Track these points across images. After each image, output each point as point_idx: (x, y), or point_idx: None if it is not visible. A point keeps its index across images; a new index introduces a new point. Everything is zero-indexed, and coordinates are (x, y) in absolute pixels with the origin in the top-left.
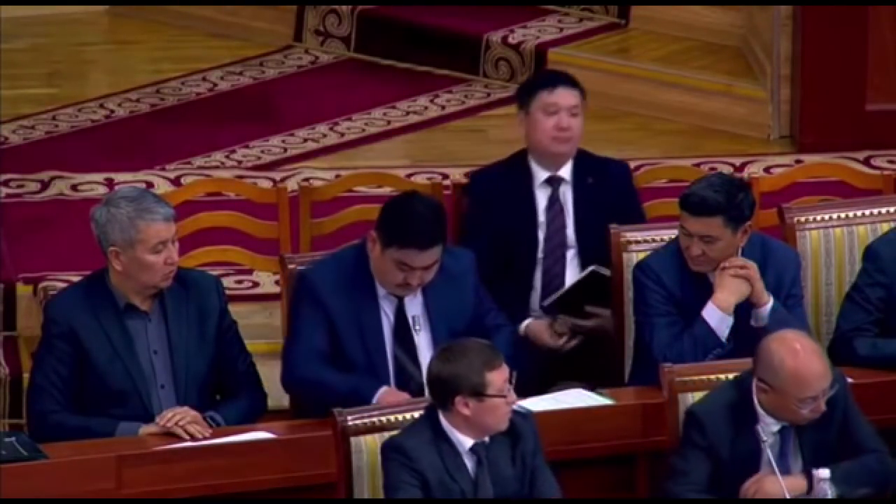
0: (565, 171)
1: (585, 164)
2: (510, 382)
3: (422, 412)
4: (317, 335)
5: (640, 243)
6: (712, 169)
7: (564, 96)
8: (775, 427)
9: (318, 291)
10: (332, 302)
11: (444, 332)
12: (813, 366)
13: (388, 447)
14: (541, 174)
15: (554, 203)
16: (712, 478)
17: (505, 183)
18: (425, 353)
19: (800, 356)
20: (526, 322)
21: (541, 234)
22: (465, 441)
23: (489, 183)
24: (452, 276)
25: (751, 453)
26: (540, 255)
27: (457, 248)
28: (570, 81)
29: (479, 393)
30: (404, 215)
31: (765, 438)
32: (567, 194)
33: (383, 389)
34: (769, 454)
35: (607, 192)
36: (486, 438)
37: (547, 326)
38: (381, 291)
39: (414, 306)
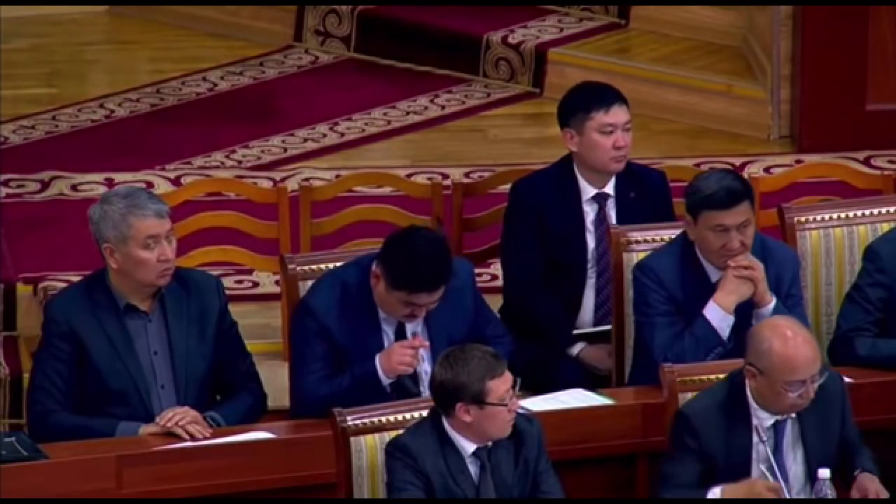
0: (609, 187)
1: (627, 177)
2: (513, 390)
3: (424, 412)
4: (323, 366)
5: (640, 243)
6: (712, 169)
7: (619, 114)
8: (769, 421)
9: (320, 320)
10: (336, 327)
11: (445, 347)
12: (802, 349)
13: (393, 446)
14: (588, 190)
15: (601, 223)
16: (703, 478)
17: (554, 195)
18: (426, 371)
19: (789, 340)
20: (580, 347)
21: (590, 255)
22: (467, 446)
23: (537, 193)
24: (453, 292)
25: (745, 449)
26: (591, 276)
27: (455, 261)
28: (619, 97)
29: (479, 401)
30: (411, 259)
31: (765, 438)
32: (611, 211)
33: (379, 355)
34: (767, 450)
35: (648, 204)
36: (489, 443)
37: (608, 354)
38: (382, 314)
39: (414, 324)
